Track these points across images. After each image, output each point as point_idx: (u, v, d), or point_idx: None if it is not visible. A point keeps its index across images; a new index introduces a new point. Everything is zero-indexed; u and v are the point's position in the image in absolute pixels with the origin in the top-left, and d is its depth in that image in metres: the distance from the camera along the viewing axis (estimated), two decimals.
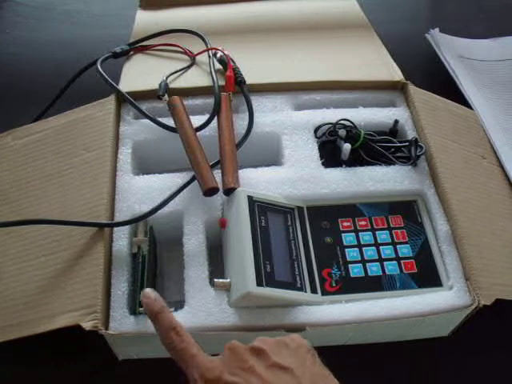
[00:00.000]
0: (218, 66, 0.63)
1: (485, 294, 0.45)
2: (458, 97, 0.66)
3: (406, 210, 0.52)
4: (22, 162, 0.55)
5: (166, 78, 0.60)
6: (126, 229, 0.49)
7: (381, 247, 0.49)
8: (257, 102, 0.60)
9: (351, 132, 0.55)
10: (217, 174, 0.51)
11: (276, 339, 0.34)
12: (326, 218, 0.51)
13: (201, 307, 0.44)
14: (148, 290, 0.36)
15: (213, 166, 0.52)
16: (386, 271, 0.48)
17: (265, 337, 0.35)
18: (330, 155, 0.56)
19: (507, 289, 0.46)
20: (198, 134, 0.54)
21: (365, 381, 0.48)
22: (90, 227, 0.47)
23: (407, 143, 0.55)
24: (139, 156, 0.56)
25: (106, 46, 0.65)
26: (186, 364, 0.33)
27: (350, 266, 0.48)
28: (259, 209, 0.48)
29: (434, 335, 0.50)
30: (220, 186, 0.50)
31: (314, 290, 0.46)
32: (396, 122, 0.58)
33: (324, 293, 0.46)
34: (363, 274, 0.47)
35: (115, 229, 0.49)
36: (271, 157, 0.57)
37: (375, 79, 0.63)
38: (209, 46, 0.65)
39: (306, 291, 0.45)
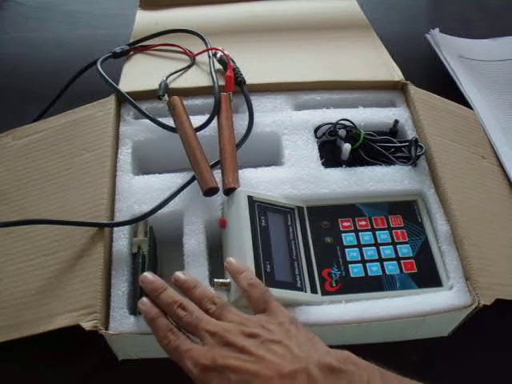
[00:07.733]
0: (218, 65, 0.63)
1: (485, 293, 0.45)
2: (458, 97, 0.66)
3: (406, 210, 0.52)
4: (22, 162, 0.55)
5: (166, 78, 0.60)
6: (125, 229, 0.49)
7: (381, 247, 0.49)
8: (257, 101, 0.60)
9: (351, 132, 0.55)
10: (217, 174, 0.51)
11: (261, 321, 0.37)
12: (326, 217, 0.51)
13: None
14: (145, 277, 0.41)
15: (213, 166, 0.52)
16: (386, 271, 0.48)
17: (250, 316, 0.38)
18: (330, 155, 0.56)
19: (507, 289, 0.46)
20: (198, 133, 0.54)
21: None
22: (90, 227, 0.47)
23: (407, 143, 0.55)
24: (139, 156, 0.56)
25: (106, 46, 0.65)
26: (180, 358, 0.36)
27: (350, 265, 0.48)
28: (259, 209, 0.48)
29: (434, 335, 0.50)
30: (220, 186, 0.50)
31: (314, 290, 0.46)
32: (396, 121, 0.58)
33: (324, 293, 0.46)
34: (363, 274, 0.47)
35: (115, 229, 0.49)
36: (271, 157, 0.57)
37: (375, 79, 0.63)
38: (209, 46, 0.65)
39: (306, 291, 0.45)
